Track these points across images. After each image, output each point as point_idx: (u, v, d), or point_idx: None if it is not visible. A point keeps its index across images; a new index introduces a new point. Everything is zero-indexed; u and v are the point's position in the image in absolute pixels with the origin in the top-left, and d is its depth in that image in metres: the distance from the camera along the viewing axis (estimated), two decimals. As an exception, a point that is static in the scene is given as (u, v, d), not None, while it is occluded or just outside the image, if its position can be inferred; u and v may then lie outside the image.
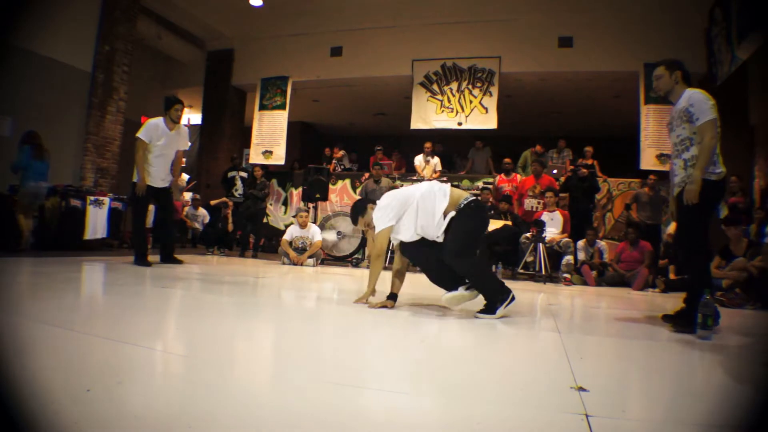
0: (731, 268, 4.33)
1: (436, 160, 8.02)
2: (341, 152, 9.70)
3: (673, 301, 3.15)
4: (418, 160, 8.05)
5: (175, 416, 0.96)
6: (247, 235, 7.10)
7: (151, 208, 4.87)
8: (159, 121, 4.38)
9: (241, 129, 10.12)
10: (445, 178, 7.73)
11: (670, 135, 2.72)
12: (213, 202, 8.07)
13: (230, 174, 7.39)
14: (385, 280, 2.87)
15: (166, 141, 4.40)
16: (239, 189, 7.25)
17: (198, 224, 8.33)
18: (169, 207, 4.69)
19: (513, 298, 2.55)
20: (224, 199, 7.54)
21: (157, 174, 4.41)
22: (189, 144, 4.85)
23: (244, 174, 7.37)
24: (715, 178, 2.47)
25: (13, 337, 1.46)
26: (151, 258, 4.36)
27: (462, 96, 8.18)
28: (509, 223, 6.03)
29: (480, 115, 8.05)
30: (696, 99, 2.51)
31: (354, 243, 6.68)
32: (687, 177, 2.52)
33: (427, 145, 7.96)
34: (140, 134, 4.29)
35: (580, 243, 5.86)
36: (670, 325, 2.44)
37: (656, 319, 2.72)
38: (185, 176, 8.36)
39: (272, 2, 8.60)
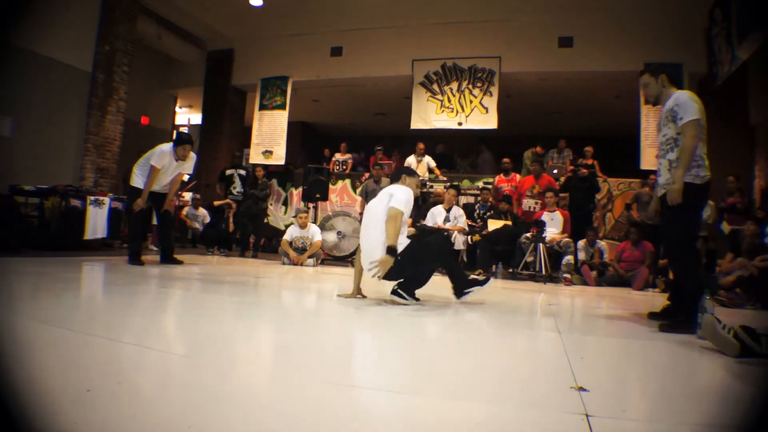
0: (734, 267, 4.35)
1: (427, 159, 7.96)
2: (347, 154, 9.63)
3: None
4: (410, 160, 8.03)
5: (176, 416, 0.96)
6: (248, 235, 7.10)
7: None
8: (170, 149, 4.43)
9: (241, 129, 10.11)
10: (445, 178, 7.75)
11: (658, 134, 2.75)
12: (216, 203, 8.05)
13: (228, 172, 7.36)
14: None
15: (171, 168, 4.50)
16: (237, 187, 7.22)
17: (198, 224, 8.32)
18: (165, 208, 4.73)
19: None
20: (228, 200, 7.52)
21: (156, 183, 4.51)
22: (193, 171, 4.96)
23: (242, 172, 7.34)
24: (699, 182, 2.48)
25: (13, 337, 1.46)
26: (150, 258, 4.37)
27: (462, 96, 8.17)
28: (509, 223, 6.04)
29: (480, 115, 8.04)
30: (682, 99, 2.54)
31: (354, 243, 6.67)
32: (670, 179, 2.54)
33: (420, 145, 7.92)
34: (153, 162, 4.34)
35: (581, 243, 5.86)
36: (658, 323, 2.46)
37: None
38: (185, 176, 8.35)
39: (272, 2, 8.58)
